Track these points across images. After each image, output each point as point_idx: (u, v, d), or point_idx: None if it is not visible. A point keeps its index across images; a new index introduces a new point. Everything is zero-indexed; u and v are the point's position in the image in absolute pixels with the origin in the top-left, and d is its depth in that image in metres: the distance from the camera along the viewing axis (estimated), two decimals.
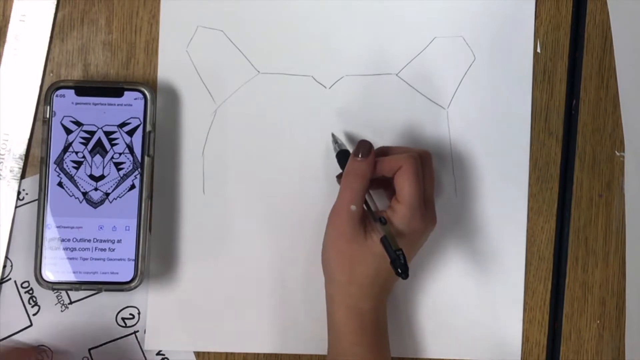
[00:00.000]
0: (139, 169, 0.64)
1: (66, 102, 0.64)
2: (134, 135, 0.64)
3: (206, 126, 0.67)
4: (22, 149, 0.65)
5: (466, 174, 0.68)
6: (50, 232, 0.63)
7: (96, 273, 0.63)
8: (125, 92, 0.64)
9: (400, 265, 0.57)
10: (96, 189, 0.64)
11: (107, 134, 0.64)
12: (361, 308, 0.61)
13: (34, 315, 0.66)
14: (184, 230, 0.67)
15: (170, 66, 0.67)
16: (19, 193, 0.66)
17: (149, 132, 0.64)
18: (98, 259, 0.63)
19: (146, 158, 0.64)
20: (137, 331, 0.67)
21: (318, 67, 0.67)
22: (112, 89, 0.64)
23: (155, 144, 0.65)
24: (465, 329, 0.68)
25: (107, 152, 0.64)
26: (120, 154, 0.64)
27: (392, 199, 0.62)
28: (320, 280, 0.64)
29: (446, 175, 0.68)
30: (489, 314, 0.68)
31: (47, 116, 0.64)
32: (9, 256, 0.66)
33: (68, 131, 0.64)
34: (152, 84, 0.67)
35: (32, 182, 0.66)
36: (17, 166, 0.65)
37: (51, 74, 0.67)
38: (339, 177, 0.64)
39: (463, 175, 0.68)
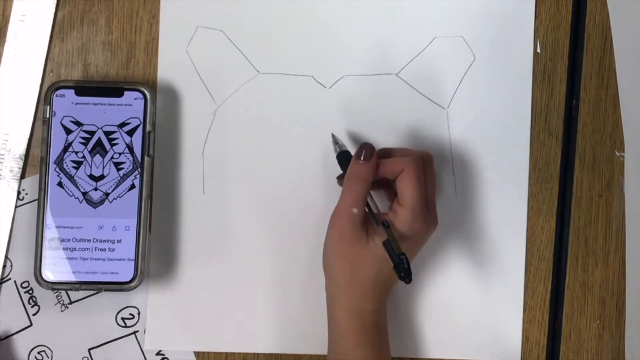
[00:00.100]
0: (139, 169, 0.64)
1: (66, 102, 0.64)
2: (134, 135, 0.64)
3: (206, 126, 0.67)
4: (22, 148, 0.65)
5: (466, 174, 0.68)
6: (50, 232, 0.63)
7: (96, 273, 0.63)
8: (125, 92, 0.64)
9: (404, 270, 0.57)
10: (96, 189, 0.64)
11: (107, 134, 0.64)
12: (362, 309, 0.61)
13: (33, 315, 0.66)
14: (184, 230, 0.67)
15: (170, 66, 0.67)
16: (19, 193, 0.66)
17: (149, 132, 0.64)
18: (98, 259, 0.63)
19: (146, 158, 0.64)
20: (137, 331, 0.67)
21: (318, 67, 0.67)
22: (112, 89, 0.64)
23: (155, 144, 0.65)
24: (465, 329, 0.68)
25: (107, 152, 0.64)
26: (120, 154, 0.64)
27: (393, 201, 0.62)
28: (321, 280, 0.64)
29: (446, 175, 0.68)
30: (489, 314, 0.68)
31: (47, 116, 0.64)
32: (9, 256, 0.66)
33: (68, 131, 0.64)
34: (152, 84, 0.67)
35: (32, 182, 0.66)
36: (17, 166, 0.65)
37: (51, 74, 0.67)
38: (340, 178, 0.64)
39: (463, 175, 0.68)
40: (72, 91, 0.64)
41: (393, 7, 0.68)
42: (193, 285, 0.67)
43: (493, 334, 0.68)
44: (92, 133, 0.64)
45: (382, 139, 0.67)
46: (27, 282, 0.66)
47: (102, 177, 0.64)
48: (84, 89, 0.64)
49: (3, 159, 0.65)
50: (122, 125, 0.64)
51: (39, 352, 0.66)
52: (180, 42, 0.67)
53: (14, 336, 0.66)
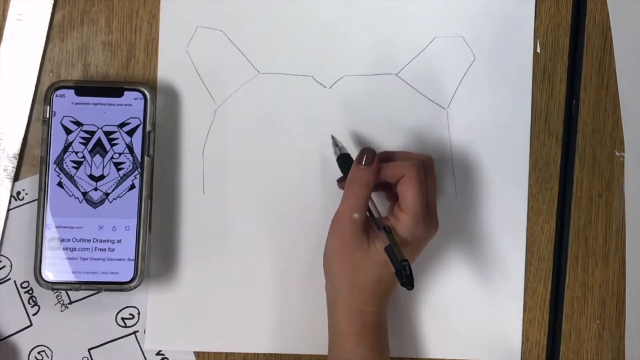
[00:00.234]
0: (139, 169, 0.64)
1: (66, 102, 0.64)
2: (134, 135, 0.64)
3: (206, 126, 0.67)
4: (16, 148, 0.65)
5: (466, 174, 0.68)
6: (50, 232, 0.63)
7: (96, 273, 0.63)
8: (125, 92, 0.64)
9: (406, 277, 0.57)
10: (96, 189, 0.64)
11: (107, 134, 0.64)
12: (363, 311, 0.61)
13: (33, 315, 0.66)
14: (184, 230, 0.67)
15: (170, 66, 0.67)
16: (18, 193, 0.66)
17: (149, 132, 0.64)
18: (98, 259, 0.63)
19: (146, 158, 0.64)
20: (137, 331, 0.67)
21: (318, 67, 0.67)
22: (112, 89, 0.64)
23: (155, 144, 0.65)
24: (465, 329, 0.68)
25: (107, 152, 0.64)
26: (120, 154, 0.64)
27: (394, 205, 0.62)
28: (321, 280, 0.64)
29: (446, 175, 0.68)
30: (489, 314, 0.68)
31: (47, 116, 0.64)
32: (9, 256, 0.66)
33: (68, 131, 0.64)
34: (152, 84, 0.67)
35: (31, 182, 0.66)
36: (11, 165, 0.65)
37: (51, 74, 0.67)
38: (340, 181, 0.64)
39: (463, 175, 0.68)
40: (72, 91, 0.64)
41: (393, 7, 0.68)
42: (193, 285, 0.67)
43: (493, 334, 0.68)
44: (92, 133, 0.64)
45: (382, 139, 0.67)
46: (27, 282, 0.66)
47: (102, 177, 0.64)
48: (84, 89, 0.64)
49: None
50: (122, 125, 0.64)
51: (39, 352, 0.66)
52: (180, 42, 0.67)
53: (14, 336, 0.66)
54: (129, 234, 0.64)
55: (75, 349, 0.66)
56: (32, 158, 0.66)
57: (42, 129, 0.64)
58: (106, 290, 0.64)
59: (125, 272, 0.63)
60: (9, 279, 0.66)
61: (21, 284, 0.66)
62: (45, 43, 0.66)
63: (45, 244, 0.63)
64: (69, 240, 0.63)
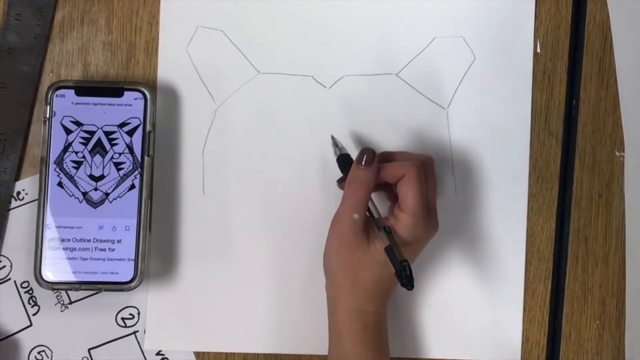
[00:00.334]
0: (139, 169, 0.64)
1: (66, 102, 0.64)
2: (134, 135, 0.64)
3: (206, 126, 0.67)
4: None
5: (466, 174, 0.68)
6: (50, 232, 0.63)
7: (96, 273, 0.63)
8: (125, 92, 0.64)
9: (406, 277, 0.57)
10: (96, 189, 0.64)
11: (107, 134, 0.64)
12: (364, 310, 0.62)
13: (33, 315, 0.66)
14: (184, 230, 0.67)
15: (170, 66, 0.67)
16: (18, 193, 0.66)
17: (149, 132, 0.64)
18: (98, 259, 0.63)
19: (146, 158, 0.64)
20: (137, 331, 0.67)
21: (318, 67, 0.67)
22: (112, 89, 0.64)
23: (155, 144, 0.65)
24: (465, 329, 0.68)
25: (107, 152, 0.64)
26: (120, 154, 0.64)
27: (394, 205, 0.62)
28: (321, 280, 0.64)
29: (446, 175, 0.68)
30: (489, 314, 0.68)
31: (47, 116, 0.64)
32: (9, 256, 0.66)
33: (68, 131, 0.64)
34: (152, 84, 0.67)
35: (32, 182, 0.66)
36: None
37: (51, 74, 0.67)
38: (340, 181, 0.64)
39: (463, 175, 0.68)
40: (72, 91, 0.64)
41: (393, 7, 0.68)
42: (193, 285, 0.67)
43: (493, 334, 0.68)
44: (92, 133, 0.64)
45: (382, 139, 0.67)
46: (27, 282, 0.66)
47: (102, 177, 0.64)
48: (84, 89, 0.64)
49: None
50: (122, 125, 0.64)
51: (39, 352, 0.66)
52: (180, 42, 0.67)
53: (14, 336, 0.66)
54: (129, 234, 0.64)
55: (75, 349, 0.66)
56: (32, 158, 0.66)
57: (42, 129, 0.64)
58: (106, 290, 0.64)
59: (125, 272, 0.63)
60: (9, 279, 0.66)
61: (21, 284, 0.66)
62: (45, 43, 0.66)
63: (45, 244, 0.63)
64: (69, 240, 0.63)
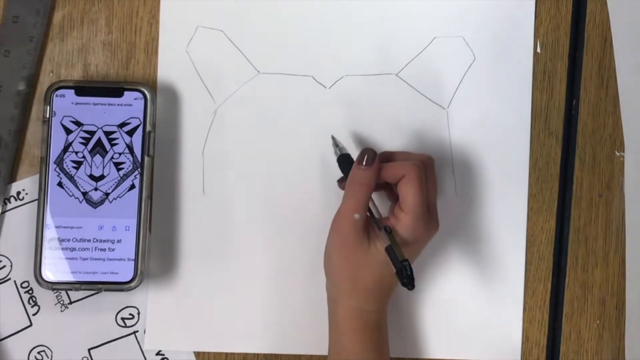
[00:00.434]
0: (139, 169, 0.64)
1: (66, 102, 0.64)
2: (134, 135, 0.64)
3: (206, 126, 0.67)
4: None
5: (466, 174, 0.68)
6: (50, 232, 0.63)
7: (96, 273, 0.63)
8: (125, 92, 0.64)
9: (407, 277, 0.57)
10: (96, 189, 0.64)
11: (107, 134, 0.64)
12: (364, 310, 0.62)
13: (33, 315, 0.66)
14: (184, 230, 0.67)
15: (170, 66, 0.67)
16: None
17: (149, 132, 0.64)
18: (98, 259, 0.63)
19: (146, 158, 0.64)
20: (137, 331, 0.67)
21: (318, 67, 0.67)
22: (112, 89, 0.64)
23: (155, 144, 0.65)
24: (465, 329, 0.68)
25: (107, 152, 0.64)
26: (120, 154, 0.64)
27: (394, 202, 0.62)
28: (321, 280, 0.64)
29: (446, 175, 0.68)
30: (489, 314, 0.68)
31: (47, 116, 0.64)
32: (9, 256, 0.66)
33: (68, 131, 0.64)
34: (152, 84, 0.67)
35: (32, 182, 0.66)
36: None
37: (51, 74, 0.67)
38: (340, 181, 0.64)
39: (463, 175, 0.68)
40: (72, 91, 0.64)
41: (393, 7, 0.68)
42: (193, 285, 0.67)
43: (493, 334, 0.68)
44: (92, 133, 0.64)
45: (382, 139, 0.67)
46: (27, 282, 0.66)
47: (102, 177, 0.64)
48: (84, 89, 0.64)
49: None
50: (122, 125, 0.64)
51: (39, 352, 0.66)
52: (180, 42, 0.67)
53: (14, 336, 0.66)
54: (129, 234, 0.64)
55: (75, 349, 0.66)
56: (32, 158, 0.66)
57: (42, 129, 0.64)
58: (106, 290, 0.64)
59: (125, 272, 0.63)
60: (9, 279, 0.66)
61: (21, 284, 0.66)
62: (43, 45, 0.66)
63: (45, 244, 0.63)
64: (69, 240, 0.63)
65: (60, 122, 0.64)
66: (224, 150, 0.67)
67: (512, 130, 0.68)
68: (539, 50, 0.68)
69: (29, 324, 0.66)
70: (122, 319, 0.67)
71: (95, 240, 0.63)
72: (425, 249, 0.64)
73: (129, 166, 0.64)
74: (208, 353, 0.67)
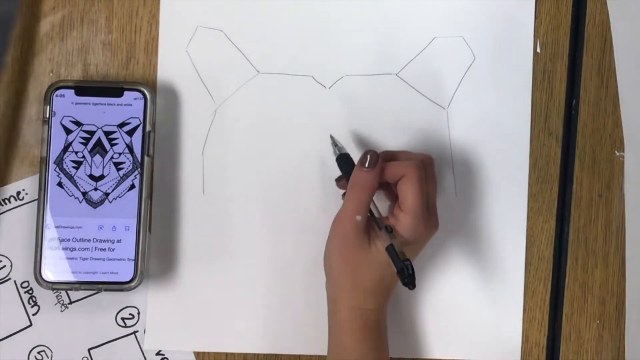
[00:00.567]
0: (139, 169, 0.64)
1: (66, 102, 0.64)
2: (134, 135, 0.64)
3: (206, 126, 0.67)
4: None
5: (466, 174, 0.68)
6: (50, 232, 0.63)
7: (96, 273, 0.63)
8: (125, 92, 0.64)
9: (408, 276, 0.57)
10: (96, 189, 0.64)
11: (107, 133, 0.64)
12: (364, 309, 0.62)
13: (33, 315, 0.66)
14: (184, 230, 0.67)
15: (170, 66, 0.67)
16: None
17: (149, 132, 0.64)
18: (98, 259, 0.63)
19: (146, 158, 0.64)
20: (137, 331, 0.67)
21: (318, 67, 0.67)
22: (112, 89, 0.64)
23: (155, 144, 0.65)
24: (465, 329, 0.68)
25: (106, 152, 0.64)
26: (120, 153, 0.64)
27: (394, 204, 0.62)
28: (321, 280, 0.64)
29: (446, 175, 0.68)
30: (489, 314, 0.68)
31: (47, 116, 0.64)
32: (9, 256, 0.66)
33: (68, 131, 0.64)
34: (152, 84, 0.67)
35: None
36: None
37: (51, 74, 0.67)
38: (338, 180, 0.64)
39: (463, 175, 0.68)
40: (72, 91, 0.64)
41: (393, 7, 0.68)
42: (193, 285, 0.67)
43: (493, 334, 0.68)
44: (92, 133, 0.64)
45: (382, 139, 0.67)
46: (27, 282, 0.66)
47: (102, 177, 0.64)
48: (84, 89, 0.64)
49: None
50: (122, 125, 0.64)
51: (38, 352, 0.66)
52: (180, 42, 0.67)
53: (14, 336, 0.66)
54: (129, 234, 0.64)
55: (75, 349, 0.66)
56: (32, 158, 0.66)
57: (42, 129, 0.64)
58: (106, 290, 0.64)
59: (125, 272, 0.63)
60: (9, 279, 0.66)
61: (21, 284, 0.66)
62: (45, 43, 0.67)
63: (45, 244, 0.63)
64: (68, 240, 0.63)
65: (60, 122, 0.64)
66: (223, 150, 0.67)
67: (512, 130, 0.68)
68: (539, 50, 0.68)
69: (29, 324, 0.66)
70: (122, 319, 0.67)
71: (95, 240, 0.63)
72: (425, 249, 0.64)
73: (129, 166, 0.64)
74: (208, 353, 0.67)
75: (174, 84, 0.67)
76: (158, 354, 0.67)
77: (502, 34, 0.68)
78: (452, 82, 0.68)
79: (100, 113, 0.64)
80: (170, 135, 0.67)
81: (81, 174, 0.63)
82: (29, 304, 0.66)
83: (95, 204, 0.64)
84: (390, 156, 0.63)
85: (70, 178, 0.63)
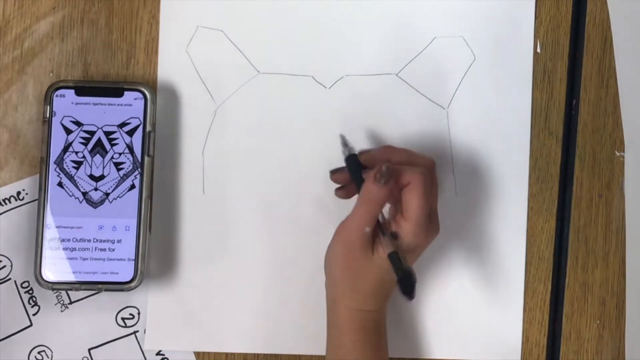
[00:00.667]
0: (139, 169, 0.64)
1: (66, 102, 0.64)
2: (134, 135, 0.64)
3: (206, 126, 0.67)
4: None
5: (466, 174, 0.68)
6: (50, 232, 0.63)
7: (96, 273, 0.63)
8: (125, 92, 0.64)
9: (409, 287, 0.57)
10: (96, 189, 0.64)
11: (107, 134, 0.64)
12: (363, 310, 0.62)
13: (33, 315, 0.66)
14: (184, 230, 0.67)
15: (170, 66, 0.67)
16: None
17: (149, 132, 0.64)
18: (98, 259, 0.63)
19: (146, 158, 0.64)
20: (137, 331, 0.67)
21: (318, 67, 0.67)
22: (112, 89, 0.64)
23: (155, 144, 0.65)
24: (465, 329, 0.68)
25: (107, 152, 0.64)
26: (120, 154, 0.64)
27: (394, 208, 0.61)
28: (320, 280, 0.64)
29: (446, 175, 0.68)
30: (489, 314, 0.68)
31: (47, 116, 0.64)
32: (9, 256, 0.66)
33: (68, 131, 0.64)
34: (152, 84, 0.67)
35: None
36: None
37: (51, 74, 0.67)
38: (333, 172, 0.64)
39: (463, 175, 0.68)
40: (72, 91, 0.64)
41: (393, 7, 0.68)
42: (193, 285, 0.67)
43: (493, 334, 0.68)
44: (92, 133, 0.64)
45: (382, 139, 0.67)
46: (27, 282, 0.66)
47: (102, 177, 0.64)
48: (84, 89, 0.64)
49: None
50: (122, 125, 0.64)
51: (39, 352, 0.66)
52: (180, 42, 0.67)
53: (14, 336, 0.66)
54: (129, 234, 0.64)
55: (75, 349, 0.66)
56: (32, 158, 0.66)
57: (42, 129, 0.64)
58: (106, 290, 0.64)
59: (125, 272, 0.63)
60: (9, 279, 0.66)
61: (21, 284, 0.66)
62: (45, 43, 0.67)
63: (45, 244, 0.63)
64: (69, 240, 0.63)
65: (61, 122, 0.64)
66: (223, 150, 0.67)
67: (512, 130, 0.68)
68: (539, 50, 0.68)
69: (29, 324, 0.66)
70: (122, 319, 0.67)
71: (95, 240, 0.63)
72: (425, 250, 0.64)
73: (129, 166, 0.64)
74: (208, 353, 0.67)
75: (174, 84, 0.67)
76: (158, 354, 0.67)
77: (502, 34, 0.68)
78: (452, 82, 0.68)
79: (101, 113, 0.64)
80: (170, 135, 0.67)
81: (81, 174, 0.64)
82: (29, 304, 0.66)
83: (95, 204, 0.64)
84: (391, 154, 0.62)
85: (71, 178, 0.63)
